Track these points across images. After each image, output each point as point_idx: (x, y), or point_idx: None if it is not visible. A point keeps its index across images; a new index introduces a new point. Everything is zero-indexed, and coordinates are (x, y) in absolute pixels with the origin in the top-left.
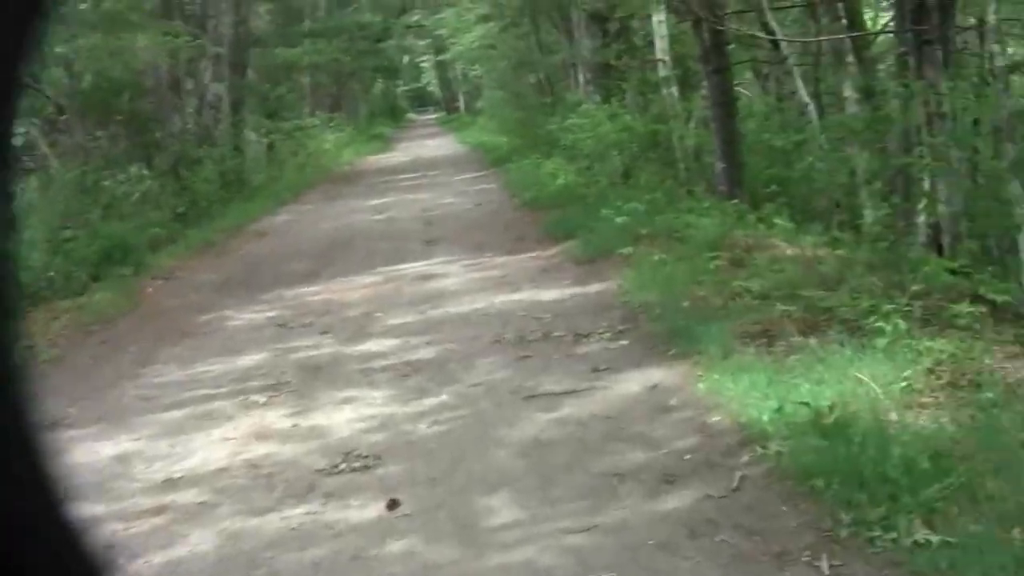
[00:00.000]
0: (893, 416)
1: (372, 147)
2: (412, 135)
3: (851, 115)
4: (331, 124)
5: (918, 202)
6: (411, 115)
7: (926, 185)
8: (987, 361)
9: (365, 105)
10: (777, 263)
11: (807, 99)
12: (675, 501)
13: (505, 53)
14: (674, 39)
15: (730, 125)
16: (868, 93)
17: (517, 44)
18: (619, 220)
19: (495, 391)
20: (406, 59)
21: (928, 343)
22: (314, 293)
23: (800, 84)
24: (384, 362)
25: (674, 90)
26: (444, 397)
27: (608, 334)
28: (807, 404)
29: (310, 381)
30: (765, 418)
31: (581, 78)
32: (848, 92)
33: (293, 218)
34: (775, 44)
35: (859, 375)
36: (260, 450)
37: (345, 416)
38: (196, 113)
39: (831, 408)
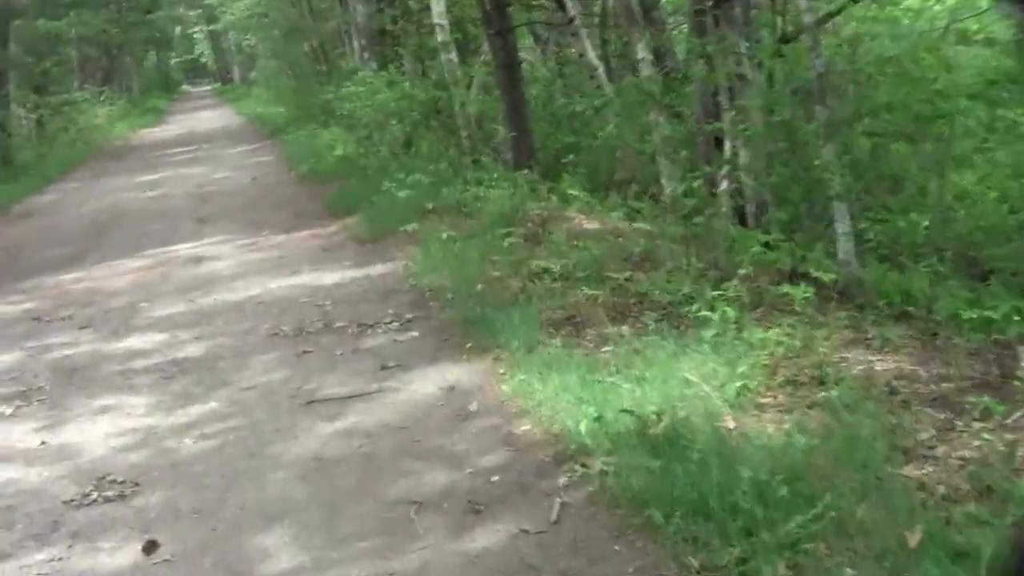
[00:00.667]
0: (731, 423)
1: (146, 120)
2: (187, 107)
3: (647, 78)
4: (102, 98)
5: (720, 169)
6: (186, 87)
7: (727, 151)
8: (823, 351)
9: (138, 78)
10: (577, 239)
11: (596, 62)
12: (485, 538)
13: (277, 20)
14: (452, 2)
15: (515, 90)
16: (659, 55)
17: (289, 11)
18: (402, 194)
19: (271, 395)
20: (178, 30)
21: (760, 334)
22: (76, 280)
23: (588, 46)
24: (148, 362)
25: (453, 56)
26: (213, 404)
27: (396, 324)
28: (631, 412)
29: (64, 386)
30: (582, 428)
31: (356, 45)
32: (642, 54)
33: (60, 197)
34: (560, 4)
35: (688, 375)
36: (1, 476)
37: (101, 430)
38: None
39: (659, 416)
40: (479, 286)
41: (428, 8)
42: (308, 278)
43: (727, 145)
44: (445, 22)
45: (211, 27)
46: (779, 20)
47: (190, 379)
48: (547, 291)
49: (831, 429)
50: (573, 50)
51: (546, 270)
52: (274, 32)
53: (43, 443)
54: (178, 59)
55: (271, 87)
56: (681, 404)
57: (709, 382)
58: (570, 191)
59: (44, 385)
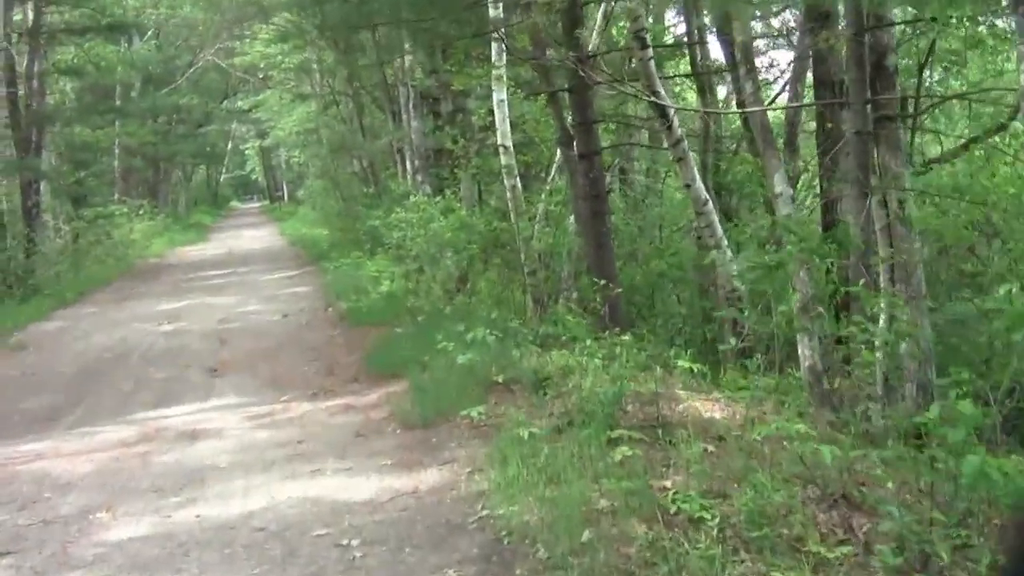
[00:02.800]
0: None
1: (187, 237)
2: (232, 224)
3: (785, 218)
4: (140, 212)
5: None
6: (235, 203)
7: (883, 313)
8: None
9: (185, 192)
10: (712, 442)
11: (705, 194)
12: None
13: (326, 137)
14: (521, 120)
15: (601, 226)
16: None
17: (338, 127)
18: (462, 359)
19: None
20: (230, 145)
21: None
22: (34, 457)
23: (696, 174)
24: None
25: (517, 182)
26: None
27: None
28: None
29: None
30: None
31: (409, 165)
32: (780, 187)
33: (67, 325)
34: (666, 123)
35: None
36: None
37: None
38: None
39: None
40: (586, 533)
41: (492, 127)
42: (332, 486)
43: (884, 310)
44: (510, 143)
45: (261, 143)
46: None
47: None
48: (701, 558)
49: None
50: (643, 178)
51: (691, 518)
52: (322, 150)
53: None
54: (228, 175)
55: (317, 207)
56: None
57: None
58: (680, 361)
59: None
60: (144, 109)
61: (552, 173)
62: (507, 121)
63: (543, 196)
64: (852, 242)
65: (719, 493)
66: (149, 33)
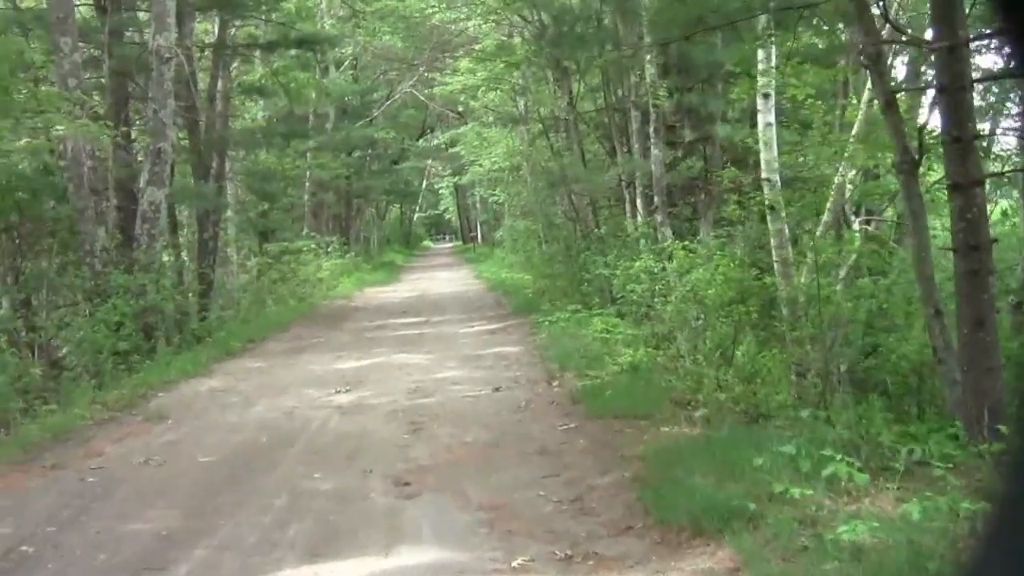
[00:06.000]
0: None
1: (377, 277)
2: (425, 265)
3: None
4: (330, 248)
5: None
6: (428, 243)
7: None
8: None
9: (377, 230)
10: None
11: None
12: None
13: (537, 171)
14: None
15: (982, 290)
16: None
17: (549, 160)
18: (848, 533)
19: None
20: (424, 183)
21: None
22: None
23: None
24: None
25: (783, 226)
26: None
27: None
28: None
29: None
30: None
31: (640, 203)
32: None
33: (225, 385)
34: None
35: None
36: None
37: None
38: (114, 229)
39: None
40: None
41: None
42: None
43: None
44: (777, 177)
45: (457, 180)
46: None
47: None
48: None
49: None
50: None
51: None
52: (530, 187)
53: None
54: (422, 213)
55: (518, 250)
56: None
57: None
58: None
59: None
60: (338, 141)
61: (825, 216)
62: (774, 149)
63: (811, 243)
64: None
65: None
66: (346, 64)
